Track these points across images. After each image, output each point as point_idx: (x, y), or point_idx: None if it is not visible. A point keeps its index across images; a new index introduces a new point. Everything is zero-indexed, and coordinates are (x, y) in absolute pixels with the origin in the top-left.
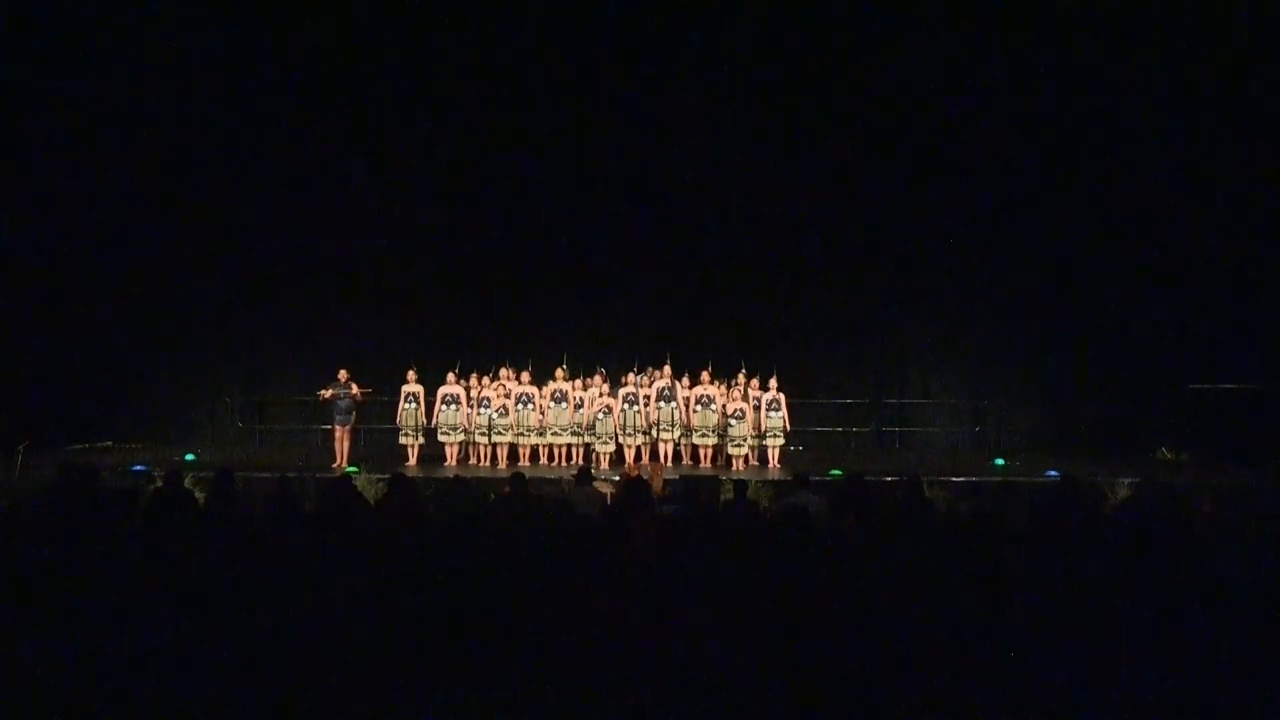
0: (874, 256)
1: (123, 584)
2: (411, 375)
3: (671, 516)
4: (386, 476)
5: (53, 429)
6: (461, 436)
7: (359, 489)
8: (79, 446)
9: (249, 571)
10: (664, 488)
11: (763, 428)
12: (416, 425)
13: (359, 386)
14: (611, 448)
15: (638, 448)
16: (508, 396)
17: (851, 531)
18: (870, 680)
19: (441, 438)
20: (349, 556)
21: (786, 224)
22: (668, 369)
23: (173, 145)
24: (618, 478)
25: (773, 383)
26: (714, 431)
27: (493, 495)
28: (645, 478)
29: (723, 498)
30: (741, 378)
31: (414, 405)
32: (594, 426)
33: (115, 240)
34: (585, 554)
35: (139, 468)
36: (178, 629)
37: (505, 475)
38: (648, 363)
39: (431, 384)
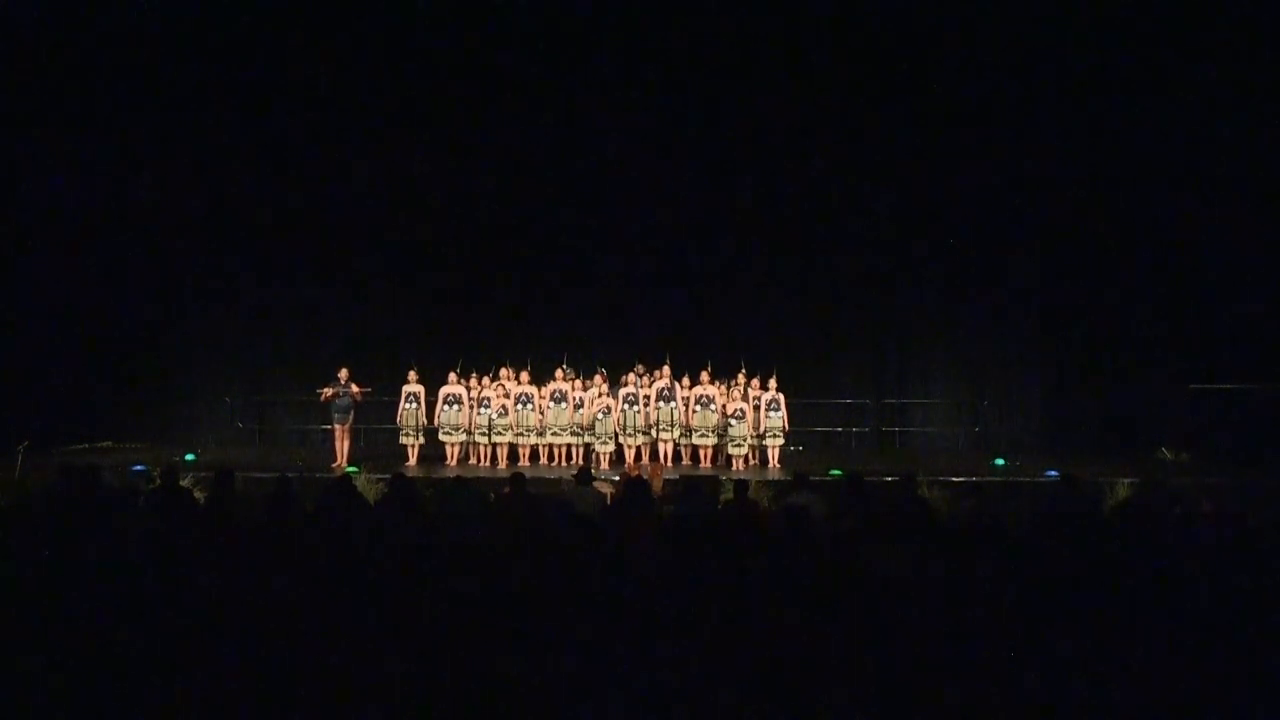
0: (874, 256)
1: (123, 584)
2: (412, 375)
3: (671, 516)
4: (386, 476)
5: (53, 429)
6: (462, 436)
7: (359, 489)
8: (79, 446)
9: (249, 571)
10: (664, 488)
11: (762, 428)
12: (417, 425)
13: (359, 386)
14: (611, 448)
15: (638, 448)
16: (507, 396)
17: (851, 531)
18: (870, 680)
19: (443, 438)
20: (349, 556)
21: (787, 224)
22: (667, 369)
23: (173, 145)
24: (618, 478)
25: (772, 383)
26: (714, 431)
27: (493, 495)
28: (645, 478)
29: (723, 498)
30: (741, 378)
31: (415, 405)
32: (594, 426)
33: (115, 240)
34: (585, 554)
35: (139, 468)
36: (178, 629)
37: (505, 475)
38: (648, 363)
39: (431, 384)
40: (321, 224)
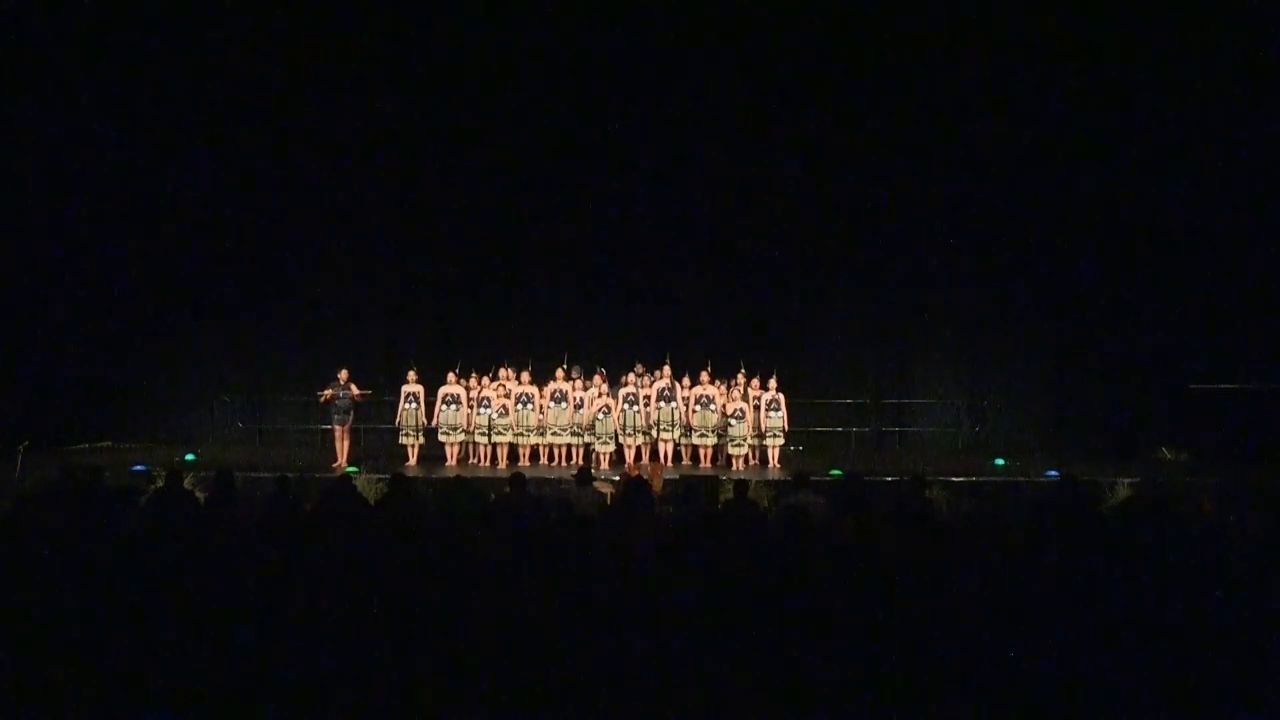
0: (874, 256)
1: (123, 584)
2: (412, 375)
3: (671, 516)
4: (386, 476)
5: (53, 429)
6: (462, 436)
7: (359, 489)
8: (79, 446)
9: (249, 571)
10: (664, 488)
11: (762, 428)
12: (417, 425)
13: (358, 387)
14: (611, 448)
15: (638, 448)
16: (507, 396)
17: (851, 531)
18: (869, 680)
19: (442, 438)
20: (349, 556)
21: (787, 224)
22: (667, 369)
23: (171, 144)
24: (618, 478)
25: (772, 383)
26: (714, 431)
27: (493, 495)
28: (645, 478)
29: (723, 498)
30: (741, 378)
31: (414, 405)
32: (594, 426)
33: (115, 240)
34: (585, 554)
35: (139, 468)
36: (177, 629)
37: (505, 475)
38: (648, 363)
39: (431, 384)
40: (321, 224)
